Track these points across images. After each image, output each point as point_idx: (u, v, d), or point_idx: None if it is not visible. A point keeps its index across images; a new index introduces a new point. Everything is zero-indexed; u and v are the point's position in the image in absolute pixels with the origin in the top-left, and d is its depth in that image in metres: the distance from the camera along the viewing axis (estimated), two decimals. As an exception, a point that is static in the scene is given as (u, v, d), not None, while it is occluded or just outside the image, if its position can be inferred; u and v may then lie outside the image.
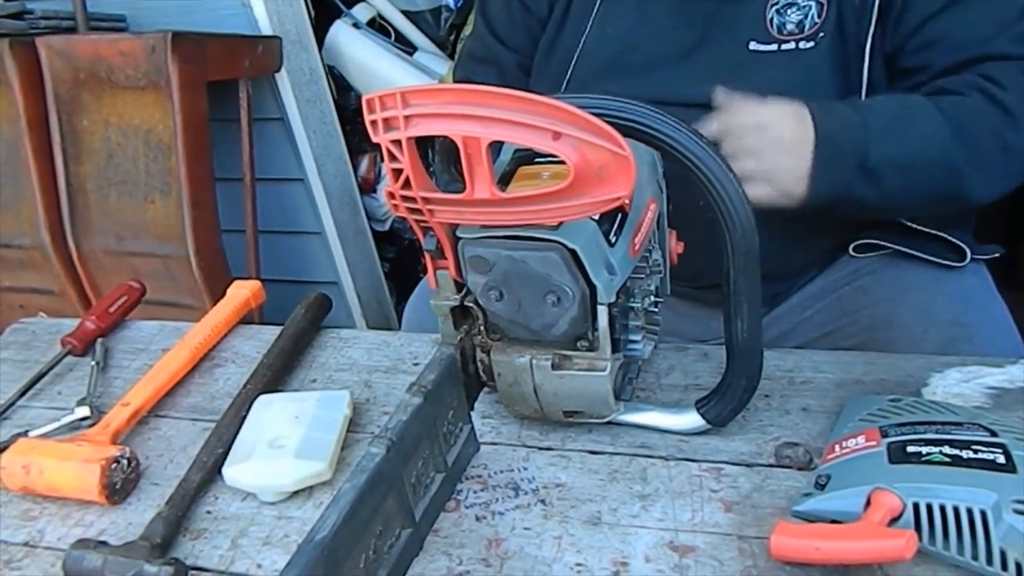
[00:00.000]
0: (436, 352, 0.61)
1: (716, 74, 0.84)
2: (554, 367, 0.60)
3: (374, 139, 0.50)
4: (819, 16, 0.81)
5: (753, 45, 0.84)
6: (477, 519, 0.58)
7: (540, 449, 0.64)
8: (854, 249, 0.89)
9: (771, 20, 0.83)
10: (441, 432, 0.59)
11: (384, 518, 0.52)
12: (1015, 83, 0.75)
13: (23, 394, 0.79)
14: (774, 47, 0.83)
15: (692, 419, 0.62)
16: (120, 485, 0.64)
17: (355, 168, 1.95)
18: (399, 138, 0.49)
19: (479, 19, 1.04)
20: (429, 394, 0.56)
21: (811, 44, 0.82)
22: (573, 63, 0.91)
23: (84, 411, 0.74)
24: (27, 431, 0.73)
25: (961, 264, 0.82)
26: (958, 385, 0.62)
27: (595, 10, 0.91)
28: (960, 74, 0.78)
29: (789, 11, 0.83)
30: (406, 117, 0.49)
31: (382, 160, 2.18)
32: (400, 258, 2.17)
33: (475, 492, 0.61)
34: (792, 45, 0.83)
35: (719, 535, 0.54)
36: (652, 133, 0.53)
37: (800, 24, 0.82)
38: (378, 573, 0.51)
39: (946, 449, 0.51)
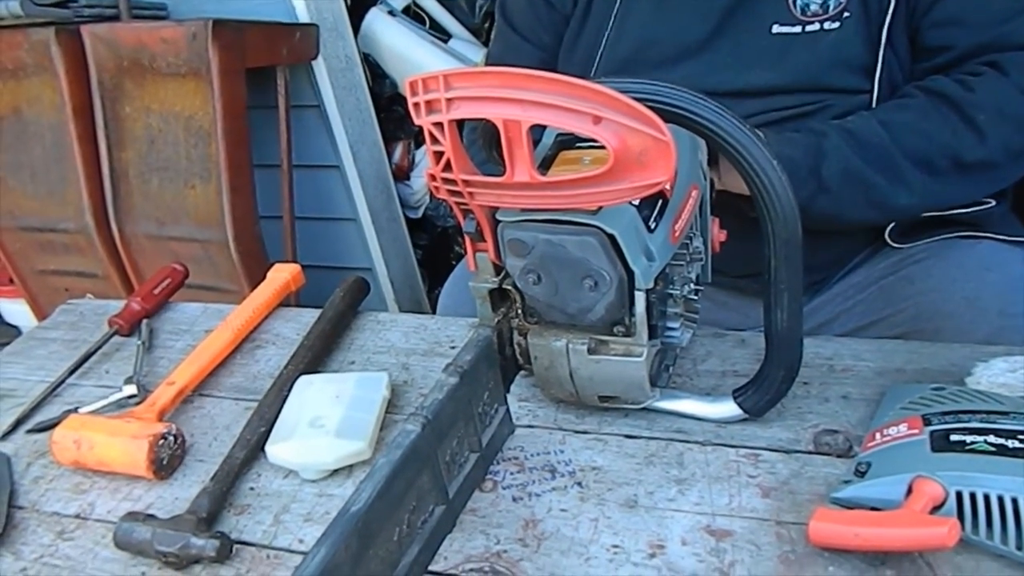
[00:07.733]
0: (473, 334, 0.61)
1: (740, 60, 0.82)
2: (590, 352, 0.60)
3: (416, 121, 0.50)
4: None
5: (776, 28, 0.82)
6: (514, 500, 0.59)
7: (576, 432, 0.65)
8: (891, 238, 0.88)
9: (794, 1, 0.82)
10: (476, 412, 0.59)
11: (418, 494, 0.53)
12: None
13: (72, 372, 0.81)
14: (798, 29, 0.82)
15: (729, 408, 0.62)
16: (167, 461, 0.66)
17: (389, 155, 1.97)
18: (441, 120, 0.50)
19: (500, 21, 1.03)
20: (465, 374, 0.57)
21: (836, 24, 0.80)
22: (597, 61, 0.91)
23: (131, 389, 0.77)
24: (77, 408, 0.75)
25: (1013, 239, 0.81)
26: (1004, 375, 0.61)
27: (616, 7, 0.90)
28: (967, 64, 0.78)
29: None
30: (448, 99, 0.49)
31: (418, 146, 2.20)
32: (433, 245, 2.18)
33: (512, 474, 0.61)
34: (817, 26, 0.81)
35: (756, 520, 0.54)
36: (693, 118, 0.52)
37: (824, 4, 0.81)
38: (411, 547, 0.52)
39: (991, 438, 0.50)
